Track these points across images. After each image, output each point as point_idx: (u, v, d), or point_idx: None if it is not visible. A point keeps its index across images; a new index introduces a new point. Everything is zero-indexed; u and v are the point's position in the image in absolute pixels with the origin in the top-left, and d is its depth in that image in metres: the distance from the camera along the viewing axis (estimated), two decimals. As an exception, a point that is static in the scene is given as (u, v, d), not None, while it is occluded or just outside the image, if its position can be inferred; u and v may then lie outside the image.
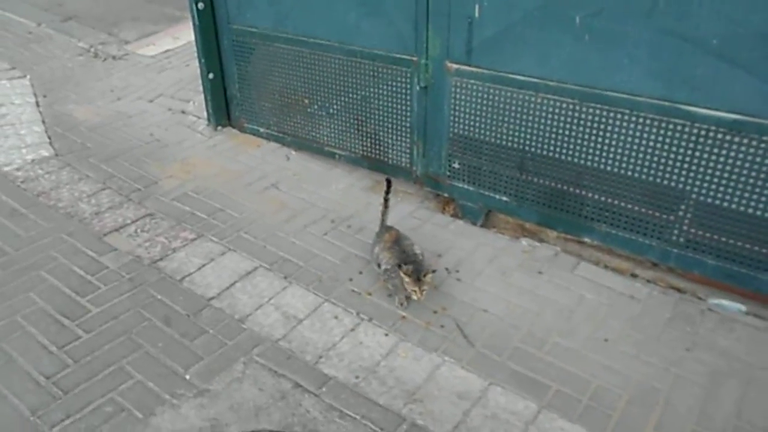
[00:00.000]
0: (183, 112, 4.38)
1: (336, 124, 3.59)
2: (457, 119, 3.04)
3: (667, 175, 2.55)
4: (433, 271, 2.57)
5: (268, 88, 3.80)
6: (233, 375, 2.31)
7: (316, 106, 3.62)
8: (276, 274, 2.82)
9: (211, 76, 3.92)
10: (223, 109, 4.10)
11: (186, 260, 2.91)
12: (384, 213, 2.88)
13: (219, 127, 4.12)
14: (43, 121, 4.23)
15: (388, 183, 2.87)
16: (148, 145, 3.95)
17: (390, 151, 3.42)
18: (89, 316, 2.56)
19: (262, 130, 4.00)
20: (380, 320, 2.57)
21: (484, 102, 2.91)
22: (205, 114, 4.14)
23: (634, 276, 2.84)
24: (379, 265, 2.72)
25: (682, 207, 2.57)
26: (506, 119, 2.88)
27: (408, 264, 2.58)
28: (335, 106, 3.53)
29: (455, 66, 2.93)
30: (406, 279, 2.51)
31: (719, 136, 2.37)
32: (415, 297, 2.53)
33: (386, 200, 2.87)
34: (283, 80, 3.69)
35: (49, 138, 4.02)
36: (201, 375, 2.31)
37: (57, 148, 3.90)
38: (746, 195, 2.40)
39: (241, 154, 3.86)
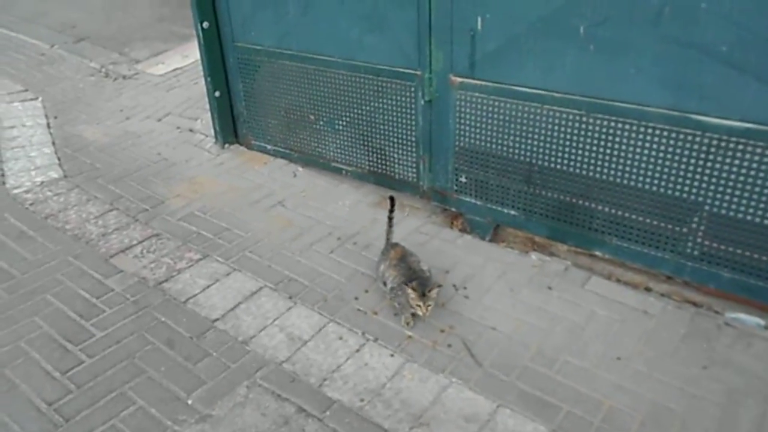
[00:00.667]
0: (191, 130, 4.39)
1: (342, 140, 3.57)
2: (462, 133, 2.99)
3: (679, 187, 2.47)
4: (439, 286, 2.52)
5: (274, 105, 3.79)
6: (236, 399, 2.27)
7: (321, 122, 3.60)
8: (281, 294, 2.79)
9: (217, 94, 3.92)
10: (230, 126, 4.10)
11: (191, 281, 2.89)
12: (389, 232, 2.84)
13: (226, 145, 4.12)
14: (53, 143, 4.27)
15: (392, 201, 2.83)
16: (155, 165, 3.96)
17: (396, 165, 3.38)
18: (93, 340, 2.54)
19: (269, 147, 3.99)
20: (386, 340, 2.52)
21: (490, 115, 2.86)
22: (212, 132, 4.14)
23: (647, 290, 2.76)
24: (384, 283, 2.68)
25: (696, 219, 2.49)
26: (512, 132, 2.83)
27: (414, 280, 2.54)
28: (341, 122, 3.51)
29: (459, 79, 2.89)
30: (412, 294, 2.46)
31: (731, 145, 2.29)
32: (420, 313, 2.48)
33: (390, 218, 2.83)
34: (289, 97, 3.67)
35: (59, 159, 4.05)
36: (203, 400, 2.27)
37: (66, 169, 3.92)
38: (762, 205, 2.31)
39: (248, 172, 3.84)
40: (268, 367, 2.41)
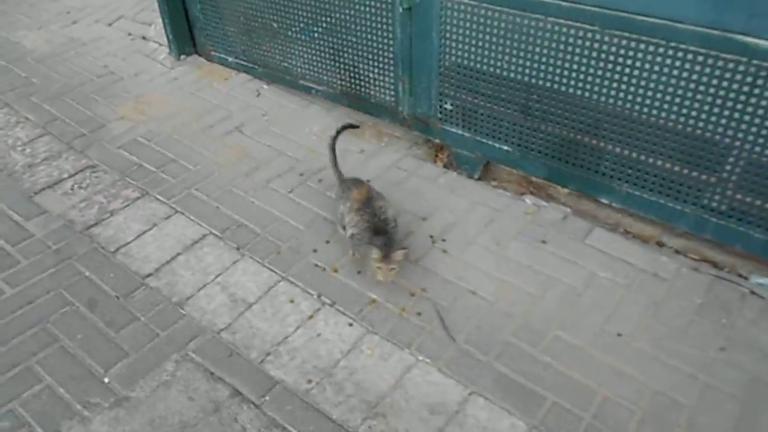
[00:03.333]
0: (144, 38, 3.81)
1: (311, 53, 3.01)
2: (448, 49, 2.45)
3: (711, 126, 1.97)
4: (404, 249, 2.10)
5: (233, 8, 3.20)
6: (161, 377, 1.92)
7: (287, 32, 3.03)
8: (227, 243, 2.38)
9: (167, -6, 3.33)
10: (186, 34, 3.52)
11: (124, 226, 2.47)
12: (334, 160, 2.46)
13: (182, 56, 3.56)
14: (-12, 51, 3.73)
15: (341, 129, 2.49)
16: (100, 80, 3.43)
17: (372, 86, 2.86)
18: (1, 299, 2.17)
19: (230, 59, 3.43)
20: (345, 305, 2.13)
21: (481, 28, 2.30)
22: (166, 41, 3.57)
23: (660, 245, 2.33)
24: (344, 228, 2.26)
25: (728, 166, 2.01)
26: (508, 50, 2.28)
27: (379, 234, 2.12)
28: (308, 32, 2.94)
29: (445, -19, 2.32)
30: (374, 255, 2.05)
31: (786, 77, 1.77)
32: (380, 277, 2.08)
33: (333, 146, 2.46)
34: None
35: (-9, 72, 3.53)
36: (123, 377, 1.92)
37: (-3, 84, 3.42)
38: (815, 155, 1.83)
39: (205, 89, 3.32)
40: (204, 337, 2.04)
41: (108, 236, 2.42)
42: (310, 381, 1.90)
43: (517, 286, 2.16)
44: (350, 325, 2.06)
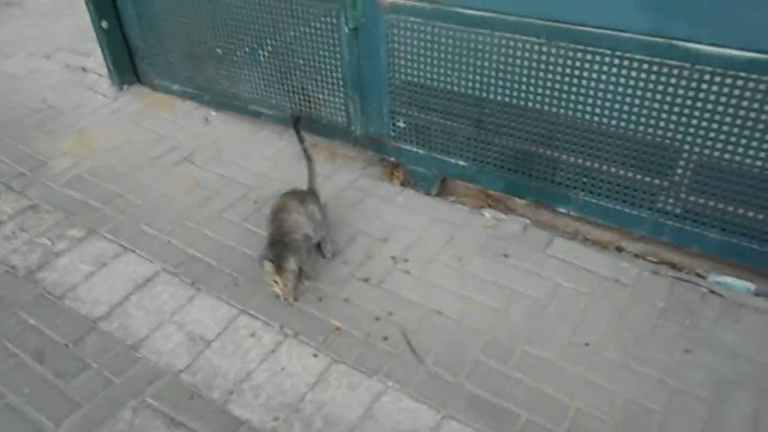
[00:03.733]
0: (83, 69, 3.68)
1: (258, 77, 2.95)
2: (397, 67, 2.43)
3: (661, 130, 2.00)
4: (294, 255, 2.03)
5: (175, 35, 3.12)
6: (117, 428, 1.81)
7: (233, 56, 2.97)
8: (181, 279, 2.29)
9: (105, 24, 3.22)
10: (127, 63, 3.42)
11: (71, 267, 2.35)
12: (310, 169, 2.42)
13: (125, 86, 3.45)
14: None
15: (296, 127, 2.45)
16: (39, 114, 3.29)
17: (323, 108, 2.81)
18: (-61, 356, 2.03)
19: (175, 87, 3.34)
20: (308, 335, 2.06)
21: (429, 45, 2.30)
22: (106, 71, 3.46)
23: (619, 250, 2.35)
24: None
25: (679, 169, 2.04)
26: (457, 66, 2.28)
27: (274, 244, 2.07)
28: (254, 56, 2.88)
29: (390, 0, 2.30)
30: (267, 268, 2.01)
31: (728, 80, 1.80)
32: (277, 290, 2.05)
33: (305, 150, 2.43)
34: (190, 24, 3.01)
35: None
36: (76, 431, 1.81)
37: (-73, 124, 3.24)
38: (762, 154, 1.86)
39: (151, 119, 3.22)
40: (162, 380, 1.94)
41: (54, 280, 2.30)
42: (276, 418, 1.82)
43: (483, 303, 2.14)
44: (315, 355, 2.00)
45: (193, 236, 2.46)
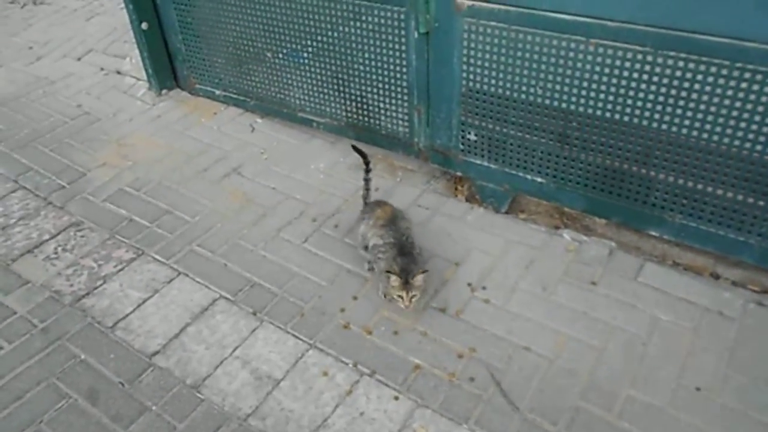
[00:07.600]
0: (119, 72, 3.50)
1: (311, 83, 2.76)
2: (472, 76, 2.23)
3: (780, 151, 1.79)
4: (425, 272, 1.93)
5: (220, 37, 2.93)
6: (185, 483, 1.64)
7: (285, 61, 2.77)
8: (242, 308, 2.10)
9: (144, 26, 3.03)
10: (166, 67, 3.23)
11: (120, 294, 2.17)
12: (366, 196, 2.29)
13: (164, 91, 3.27)
14: (-58, 96, 3.38)
15: (361, 154, 2.32)
16: (74, 122, 3.11)
17: (382, 117, 2.62)
18: (-17, 397, 1.86)
19: (218, 92, 3.15)
20: (386, 374, 1.87)
21: (511, 52, 2.09)
22: (145, 75, 3.27)
23: (715, 277, 2.14)
24: (366, 248, 2.13)
25: (798, 193, 1.83)
26: (542, 76, 2.07)
27: (403, 256, 1.97)
28: (308, 60, 2.69)
29: (468, 2, 2.09)
30: (394, 283, 1.90)
31: None
32: (402, 306, 1.93)
33: (367, 180, 2.29)
34: (237, 27, 2.81)
35: (-51, 118, 3.18)
36: (140, 487, 1.64)
37: (-43, 132, 3.07)
38: None
39: (193, 127, 3.03)
40: (229, 426, 1.76)
41: (103, 308, 2.12)
42: (360, 473, 1.64)
43: (575, 338, 1.94)
44: (396, 398, 1.81)
45: (251, 259, 2.28)
